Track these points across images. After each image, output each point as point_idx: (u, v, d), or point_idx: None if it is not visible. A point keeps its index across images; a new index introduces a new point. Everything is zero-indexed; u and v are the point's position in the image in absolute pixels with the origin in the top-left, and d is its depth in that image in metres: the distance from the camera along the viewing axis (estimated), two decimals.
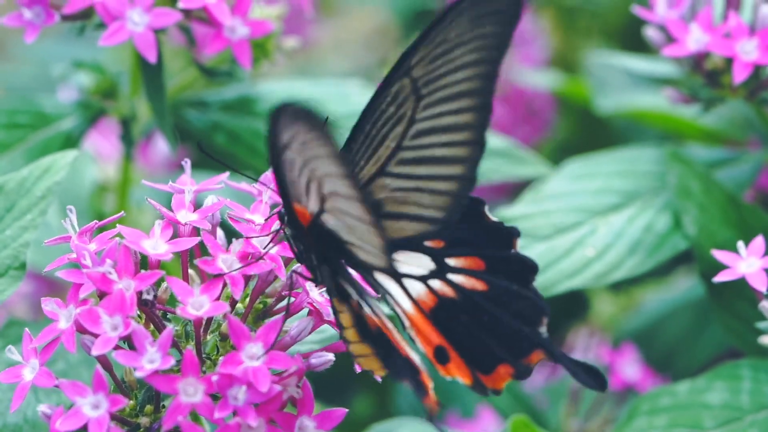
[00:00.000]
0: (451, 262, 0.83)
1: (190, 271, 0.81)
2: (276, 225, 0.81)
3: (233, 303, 0.80)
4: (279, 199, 0.83)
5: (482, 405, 1.17)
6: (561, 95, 1.47)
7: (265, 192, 0.83)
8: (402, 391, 1.18)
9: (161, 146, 1.36)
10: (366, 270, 0.82)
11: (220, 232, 0.83)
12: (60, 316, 0.78)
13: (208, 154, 0.89)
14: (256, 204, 0.83)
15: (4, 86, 1.51)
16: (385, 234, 0.81)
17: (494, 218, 0.84)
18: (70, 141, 1.06)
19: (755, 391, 0.96)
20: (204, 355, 0.79)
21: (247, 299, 0.81)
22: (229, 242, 0.82)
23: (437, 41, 0.80)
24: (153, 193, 0.84)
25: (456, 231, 0.83)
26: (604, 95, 1.28)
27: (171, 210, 0.81)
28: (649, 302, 1.31)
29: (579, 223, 1.06)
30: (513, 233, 0.84)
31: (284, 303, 0.81)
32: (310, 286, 0.80)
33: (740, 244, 0.89)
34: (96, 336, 0.76)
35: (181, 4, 0.96)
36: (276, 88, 1.12)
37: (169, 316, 0.80)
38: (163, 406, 0.79)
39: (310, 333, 0.80)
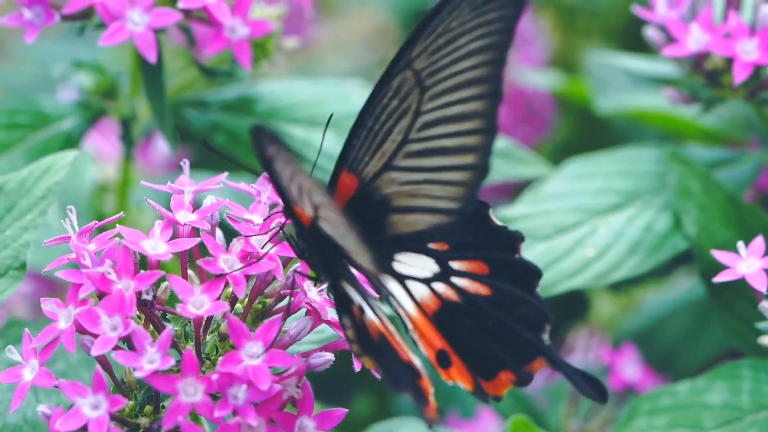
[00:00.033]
0: (455, 265, 0.83)
1: (189, 272, 0.81)
2: (275, 224, 0.81)
3: (233, 302, 0.80)
4: (278, 200, 0.83)
5: (482, 405, 1.17)
6: (561, 95, 1.47)
7: (264, 192, 0.83)
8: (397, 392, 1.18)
9: (161, 146, 1.36)
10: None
11: (219, 232, 0.83)
12: (59, 317, 0.78)
13: (214, 150, 0.89)
14: (255, 204, 0.83)
15: (4, 86, 1.51)
16: (393, 230, 0.81)
17: (499, 222, 0.84)
18: (70, 141, 1.06)
19: (755, 391, 0.96)
20: (203, 355, 0.79)
21: (246, 299, 0.81)
22: (228, 242, 0.82)
23: (438, 32, 0.80)
24: (153, 194, 0.84)
25: (460, 234, 0.83)
26: (604, 95, 1.28)
27: (170, 210, 0.81)
28: (649, 302, 1.31)
29: (579, 223, 1.06)
30: (517, 238, 0.83)
31: (283, 303, 0.81)
32: (308, 285, 0.80)
33: (740, 244, 0.88)
34: (95, 336, 0.76)
35: (181, 4, 0.96)
36: (276, 88, 1.12)
37: (168, 316, 0.80)
38: (163, 407, 0.79)
39: (309, 332, 0.80)
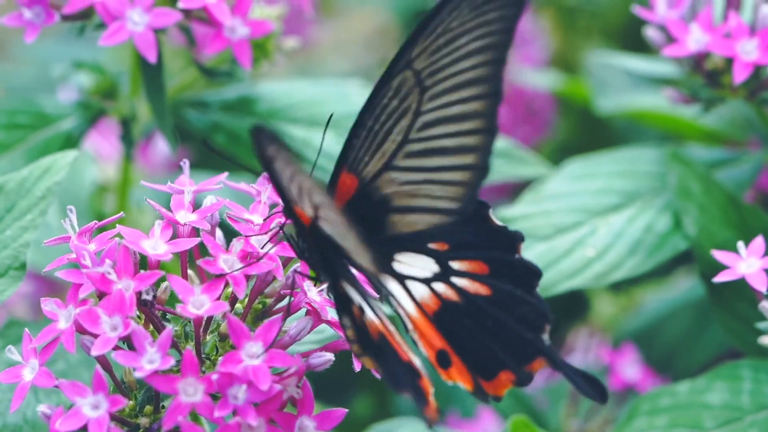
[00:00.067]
0: (455, 265, 0.83)
1: (189, 272, 0.81)
2: (275, 224, 0.81)
3: (233, 302, 0.80)
4: (278, 200, 0.83)
5: (482, 405, 1.17)
6: (561, 95, 1.47)
7: (264, 192, 0.83)
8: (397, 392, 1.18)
9: (161, 146, 1.36)
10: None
11: (219, 232, 0.83)
12: (59, 317, 0.78)
13: (214, 150, 0.89)
14: (255, 204, 0.83)
15: (4, 86, 1.51)
16: (393, 230, 0.81)
17: (499, 222, 0.84)
18: (70, 141, 1.06)
19: (755, 391, 0.96)
20: (204, 356, 0.79)
21: (246, 299, 0.81)
22: (228, 242, 0.82)
23: (438, 32, 0.80)
24: (153, 194, 0.84)
25: (460, 234, 0.83)
26: (604, 95, 1.28)
27: (170, 210, 0.81)
28: (649, 302, 1.30)
29: (579, 223, 1.06)
30: (517, 238, 0.83)
31: (283, 303, 0.81)
32: (308, 285, 0.80)
33: (740, 244, 0.88)
34: (95, 336, 0.76)
35: (181, 4, 0.96)
36: (276, 88, 1.11)
37: (168, 316, 0.80)
38: (163, 407, 0.79)
39: (309, 332, 0.80)
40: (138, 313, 0.79)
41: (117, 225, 0.81)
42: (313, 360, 0.79)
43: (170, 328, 0.76)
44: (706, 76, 1.04)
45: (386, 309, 0.82)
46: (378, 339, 0.78)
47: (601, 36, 1.59)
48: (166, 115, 1.04)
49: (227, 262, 0.78)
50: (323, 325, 0.81)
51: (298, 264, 0.81)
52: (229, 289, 0.79)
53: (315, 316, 0.80)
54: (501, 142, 1.13)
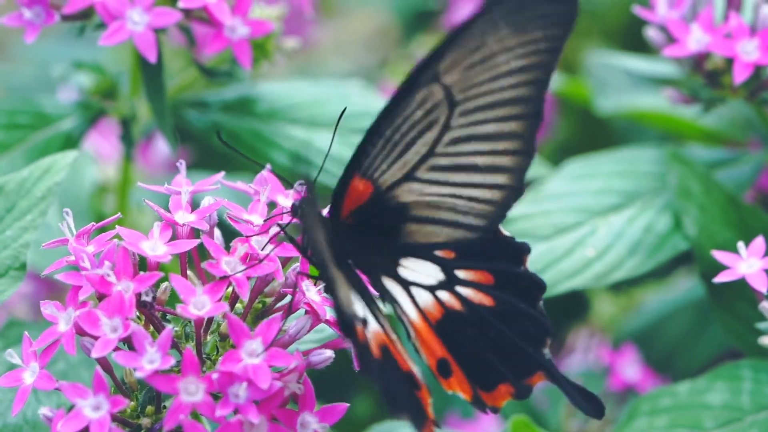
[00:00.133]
0: (460, 274, 0.83)
1: (189, 272, 0.81)
2: (275, 225, 0.81)
3: (233, 302, 0.80)
4: (276, 198, 0.83)
5: None
6: (561, 96, 1.47)
7: (263, 192, 0.83)
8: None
9: (161, 146, 1.36)
10: (374, 275, 0.81)
11: (217, 232, 0.83)
12: (59, 319, 0.78)
13: (229, 145, 0.89)
14: (253, 204, 0.83)
15: (4, 86, 1.51)
16: (409, 239, 0.81)
17: (506, 232, 0.83)
18: (70, 141, 1.06)
19: (756, 391, 0.96)
20: (204, 356, 0.79)
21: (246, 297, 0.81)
22: (226, 241, 0.82)
23: (471, 47, 0.78)
24: (152, 195, 0.84)
25: (468, 243, 0.83)
26: (605, 96, 1.28)
27: (169, 211, 0.81)
28: (649, 303, 1.30)
29: (579, 223, 1.06)
30: (524, 250, 0.83)
31: (283, 302, 0.81)
32: (307, 285, 0.80)
33: (740, 244, 0.88)
34: (96, 338, 0.76)
35: (181, 4, 0.96)
36: (276, 88, 1.11)
37: (168, 316, 0.80)
38: (164, 407, 0.79)
39: (308, 332, 0.80)
40: (138, 314, 0.79)
41: (116, 226, 0.81)
42: (313, 357, 0.79)
43: (170, 328, 0.76)
44: (706, 77, 1.03)
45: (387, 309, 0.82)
46: (380, 353, 0.78)
47: (601, 36, 1.59)
48: (166, 115, 1.04)
49: (229, 264, 0.78)
50: (322, 325, 0.81)
51: (298, 264, 0.81)
52: (229, 289, 0.79)
53: (314, 315, 0.80)
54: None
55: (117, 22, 0.95)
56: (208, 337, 0.80)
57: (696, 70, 1.04)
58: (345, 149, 1.01)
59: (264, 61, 1.05)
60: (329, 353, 0.79)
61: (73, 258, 0.80)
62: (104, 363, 0.79)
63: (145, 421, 0.78)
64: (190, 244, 0.79)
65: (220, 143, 0.95)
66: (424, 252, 0.83)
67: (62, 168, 0.89)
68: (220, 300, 0.77)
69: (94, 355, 0.76)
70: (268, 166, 0.85)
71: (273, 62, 1.06)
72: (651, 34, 1.05)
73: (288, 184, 0.84)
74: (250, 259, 0.79)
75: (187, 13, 0.98)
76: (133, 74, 1.09)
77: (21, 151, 1.05)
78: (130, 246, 0.78)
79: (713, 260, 0.90)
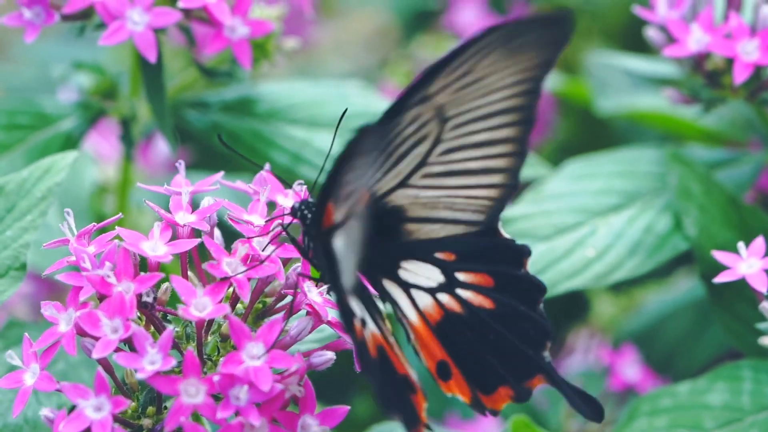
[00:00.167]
0: (460, 276, 0.83)
1: (189, 273, 0.81)
2: (276, 225, 0.81)
3: (234, 303, 0.80)
4: (275, 198, 0.82)
5: None
6: (561, 96, 1.47)
7: (263, 192, 0.83)
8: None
9: (161, 147, 1.36)
10: (373, 277, 0.81)
11: (217, 232, 0.83)
12: (60, 320, 0.78)
13: (229, 147, 0.88)
14: (253, 204, 0.83)
15: (4, 87, 1.51)
16: (408, 237, 0.80)
17: (507, 235, 0.83)
18: (70, 141, 1.06)
19: (756, 392, 0.96)
20: (205, 356, 0.79)
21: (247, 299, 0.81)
22: (226, 240, 0.81)
23: (463, 70, 0.79)
24: (152, 195, 0.84)
25: (468, 245, 0.83)
26: (605, 96, 1.28)
27: (169, 212, 0.81)
28: (649, 303, 1.30)
29: (579, 223, 1.06)
30: (524, 252, 0.83)
31: (284, 302, 0.81)
32: (309, 286, 0.80)
33: (741, 244, 0.88)
34: (96, 339, 0.76)
35: (181, 4, 0.96)
36: (276, 89, 1.11)
37: (169, 317, 0.80)
38: (165, 408, 0.79)
39: (309, 333, 0.80)
40: (138, 314, 0.79)
41: (116, 226, 0.81)
42: (314, 359, 0.79)
43: (171, 329, 0.76)
44: (706, 77, 1.03)
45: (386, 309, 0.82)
46: (376, 353, 0.78)
47: (601, 36, 1.59)
48: (166, 116, 1.04)
49: (230, 265, 0.78)
50: (323, 324, 0.81)
51: (299, 264, 0.81)
52: (230, 290, 0.79)
53: (316, 316, 0.80)
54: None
55: (117, 22, 0.95)
56: (209, 338, 0.80)
57: (696, 70, 1.04)
58: None
59: (264, 61, 1.05)
60: (330, 355, 0.79)
61: (73, 258, 0.80)
62: (105, 364, 0.79)
63: (146, 422, 0.78)
64: (190, 245, 0.79)
65: (220, 143, 0.94)
66: (425, 254, 0.83)
67: (62, 168, 0.89)
68: (221, 301, 0.77)
69: (95, 355, 0.76)
70: (267, 165, 0.85)
71: (273, 62, 1.06)
72: (651, 34, 1.05)
73: (286, 184, 0.84)
74: (251, 260, 0.79)
75: (186, 13, 0.98)
76: (133, 74, 1.09)
77: (21, 152, 1.05)
78: (131, 246, 0.78)
79: (713, 260, 0.90)
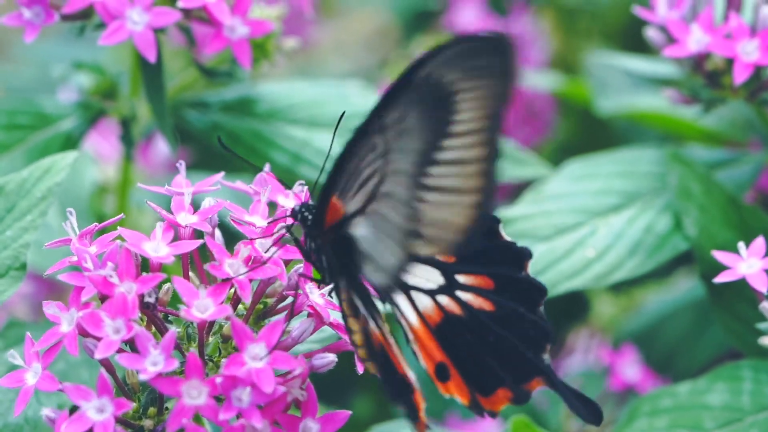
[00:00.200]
0: (460, 278, 0.83)
1: (190, 274, 0.81)
2: (279, 227, 0.80)
3: (235, 304, 0.80)
4: (276, 198, 0.82)
5: None
6: (561, 96, 1.47)
7: (264, 193, 0.82)
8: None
9: (161, 147, 1.36)
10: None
11: (217, 233, 0.82)
12: (62, 320, 0.78)
13: (229, 149, 0.88)
14: (254, 204, 0.83)
15: (4, 87, 1.51)
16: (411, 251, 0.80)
17: (508, 237, 0.83)
18: (70, 141, 1.06)
19: (756, 392, 0.96)
20: (206, 357, 0.79)
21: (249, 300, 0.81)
22: (226, 241, 0.81)
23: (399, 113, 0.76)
24: (152, 195, 0.84)
25: (468, 247, 0.82)
26: (605, 96, 1.28)
27: (171, 212, 0.81)
28: (649, 303, 1.30)
29: (579, 223, 1.06)
30: (525, 255, 0.83)
31: (285, 303, 0.81)
32: (310, 287, 0.80)
33: (741, 245, 0.88)
34: (98, 339, 0.76)
35: (180, 4, 0.96)
36: (276, 89, 1.11)
37: (170, 318, 0.80)
38: (167, 408, 0.79)
39: (311, 334, 0.80)
40: (140, 315, 0.79)
41: (118, 227, 0.81)
42: (316, 361, 0.79)
43: (174, 330, 0.76)
44: (706, 77, 1.03)
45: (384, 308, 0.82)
46: (378, 348, 0.78)
47: (601, 37, 1.59)
48: (166, 116, 1.04)
49: (232, 266, 0.78)
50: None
51: (300, 265, 0.81)
52: (231, 291, 0.79)
53: (317, 318, 0.80)
54: (501, 143, 1.12)
55: (116, 22, 0.95)
56: (210, 338, 0.80)
57: (696, 70, 1.04)
58: None
59: (264, 61, 1.05)
60: (332, 357, 0.79)
61: (75, 258, 0.80)
62: (107, 364, 0.79)
63: (147, 423, 0.78)
64: (192, 245, 0.79)
65: (220, 144, 0.94)
66: (425, 256, 0.82)
67: (62, 168, 0.89)
68: (222, 302, 0.77)
69: (98, 356, 0.76)
70: (267, 166, 0.85)
71: (273, 62, 1.06)
72: (651, 34, 1.05)
73: (286, 185, 0.84)
74: (253, 262, 0.79)
75: (186, 12, 0.98)
76: (133, 74, 1.09)
77: (21, 152, 1.05)
78: (133, 247, 0.78)
79: (713, 260, 0.90)
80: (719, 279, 0.89)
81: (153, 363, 0.75)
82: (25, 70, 1.61)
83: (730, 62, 1.01)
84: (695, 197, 1.05)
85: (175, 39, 1.10)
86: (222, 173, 0.85)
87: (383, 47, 1.74)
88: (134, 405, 0.79)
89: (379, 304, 0.82)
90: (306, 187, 0.83)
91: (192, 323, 0.79)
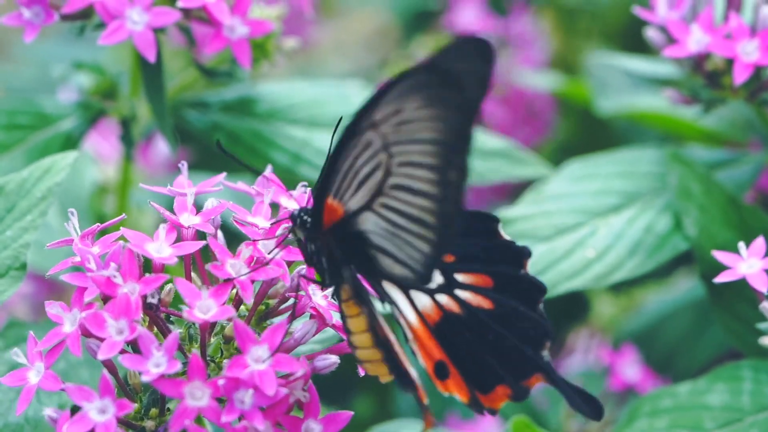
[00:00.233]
0: (459, 277, 0.83)
1: (192, 274, 0.81)
2: (281, 229, 0.80)
3: (237, 305, 0.80)
4: (278, 199, 0.82)
5: None
6: (561, 96, 1.47)
7: (267, 194, 0.82)
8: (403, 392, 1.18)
9: (161, 147, 1.36)
10: (375, 278, 0.81)
11: (219, 234, 0.82)
12: (65, 320, 0.78)
13: (227, 153, 0.88)
14: (257, 205, 0.82)
15: (4, 87, 1.51)
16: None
17: (507, 236, 0.83)
18: (70, 141, 1.06)
19: (756, 392, 0.96)
20: (207, 358, 0.79)
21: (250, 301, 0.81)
22: (227, 242, 0.81)
23: (392, 109, 0.76)
24: (153, 195, 0.84)
25: (467, 246, 0.83)
26: (605, 96, 1.28)
27: (173, 213, 0.81)
28: (649, 303, 1.31)
29: (579, 224, 1.06)
30: (524, 253, 0.83)
31: (287, 304, 0.81)
32: (313, 289, 0.80)
33: (741, 244, 0.88)
34: (101, 340, 0.76)
35: (180, 3, 0.96)
36: (276, 89, 1.11)
37: (172, 318, 0.80)
38: (168, 409, 0.79)
39: (313, 336, 0.80)
40: (142, 315, 0.79)
41: (120, 227, 0.81)
42: (318, 363, 0.79)
43: (176, 332, 0.76)
44: (706, 77, 1.04)
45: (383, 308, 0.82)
46: (384, 343, 0.78)
47: (601, 37, 1.59)
48: (166, 116, 1.04)
49: (234, 266, 0.78)
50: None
51: (303, 266, 0.81)
52: (233, 291, 0.79)
53: (320, 319, 0.79)
54: (501, 143, 1.13)
55: (116, 22, 0.95)
56: (212, 339, 0.79)
57: (696, 70, 1.04)
58: None
59: (264, 61, 1.05)
60: (334, 359, 0.79)
61: (78, 259, 0.80)
62: (109, 365, 0.79)
63: (149, 424, 0.78)
64: (195, 246, 0.79)
65: (218, 147, 0.94)
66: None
67: (62, 168, 0.89)
68: (225, 303, 0.77)
69: (101, 357, 0.75)
70: (270, 167, 0.84)
71: (273, 62, 1.06)
72: (651, 34, 1.05)
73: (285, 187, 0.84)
74: (256, 263, 0.79)
75: (186, 12, 0.98)
76: (133, 74, 1.09)
77: (21, 152, 1.05)
78: (136, 248, 0.78)
79: (713, 260, 0.90)
80: (719, 279, 0.89)
81: (156, 364, 0.75)
82: (25, 70, 1.61)
83: (730, 62, 1.01)
84: (695, 197, 1.05)
85: (175, 39, 1.10)
86: (224, 174, 0.85)
87: (383, 47, 1.74)
88: (136, 406, 0.79)
89: (378, 305, 0.82)
90: (309, 189, 0.83)
91: (194, 324, 0.79)
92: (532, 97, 1.52)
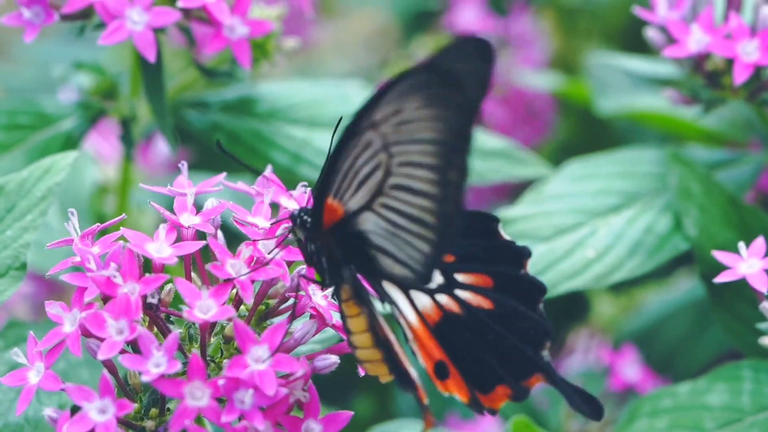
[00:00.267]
0: (459, 277, 0.83)
1: (192, 274, 0.81)
2: (281, 229, 0.80)
3: (237, 305, 0.80)
4: (278, 199, 0.82)
5: None
6: (561, 96, 1.47)
7: (268, 194, 0.82)
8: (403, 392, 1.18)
9: (161, 147, 1.36)
10: (375, 278, 0.81)
11: (219, 234, 0.82)
12: (65, 320, 0.78)
13: (228, 153, 0.88)
14: (257, 205, 0.82)
15: (4, 87, 1.51)
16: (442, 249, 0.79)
17: (507, 236, 0.83)
18: (71, 141, 1.06)
19: (756, 392, 0.96)
20: (207, 358, 0.79)
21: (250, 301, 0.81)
22: (227, 242, 0.81)
23: (394, 107, 0.76)
24: (153, 195, 0.84)
25: (467, 246, 0.83)
26: (605, 96, 1.28)
27: (173, 213, 0.81)
28: (649, 303, 1.31)
29: (579, 224, 1.06)
30: (524, 253, 0.83)
31: (287, 304, 0.81)
32: (313, 289, 0.80)
33: (741, 245, 0.88)
34: (101, 340, 0.76)
35: (180, 3, 0.96)
36: (276, 88, 1.11)
37: (172, 318, 0.80)
38: (168, 409, 0.79)
39: (313, 336, 0.80)
40: (142, 316, 0.79)
41: (120, 227, 0.81)
42: (318, 363, 0.79)
43: (177, 332, 0.76)
44: (706, 77, 1.04)
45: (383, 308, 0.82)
46: (384, 342, 0.78)
47: (601, 37, 1.59)
48: (166, 116, 1.04)
49: (234, 266, 0.78)
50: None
51: (303, 267, 0.81)
52: (233, 291, 0.79)
53: (320, 319, 0.80)
54: (501, 143, 1.13)
55: (116, 22, 0.95)
56: (212, 339, 0.80)
57: (696, 70, 1.04)
58: None
59: (264, 61, 1.05)
60: (334, 359, 0.79)
61: (78, 259, 0.80)
62: (109, 365, 0.79)
63: (149, 424, 0.78)
64: (195, 246, 0.79)
65: (218, 147, 0.94)
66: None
67: (62, 168, 0.89)
68: (225, 303, 0.77)
69: (101, 357, 0.75)
70: (270, 167, 0.85)
71: (273, 62, 1.06)
72: (651, 34, 1.05)
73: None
74: (256, 262, 0.79)
75: (186, 12, 0.98)
76: (133, 74, 1.09)
77: (21, 152, 1.05)
78: (136, 248, 0.78)
79: (713, 261, 0.90)
80: (719, 279, 0.89)
81: (156, 364, 0.75)
82: (25, 70, 1.61)
83: (730, 62, 1.01)
84: (695, 197, 1.05)
85: (175, 39, 1.10)
86: (224, 174, 0.85)
87: (383, 47, 1.74)
88: (136, 406, 0.79)
89: (378, 305, 0.82)
90: (309, 189, 0.83)
91: (194, 324, 0.79)
92: (532, 97, 1.52)
